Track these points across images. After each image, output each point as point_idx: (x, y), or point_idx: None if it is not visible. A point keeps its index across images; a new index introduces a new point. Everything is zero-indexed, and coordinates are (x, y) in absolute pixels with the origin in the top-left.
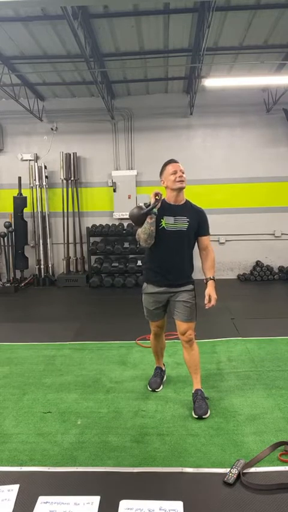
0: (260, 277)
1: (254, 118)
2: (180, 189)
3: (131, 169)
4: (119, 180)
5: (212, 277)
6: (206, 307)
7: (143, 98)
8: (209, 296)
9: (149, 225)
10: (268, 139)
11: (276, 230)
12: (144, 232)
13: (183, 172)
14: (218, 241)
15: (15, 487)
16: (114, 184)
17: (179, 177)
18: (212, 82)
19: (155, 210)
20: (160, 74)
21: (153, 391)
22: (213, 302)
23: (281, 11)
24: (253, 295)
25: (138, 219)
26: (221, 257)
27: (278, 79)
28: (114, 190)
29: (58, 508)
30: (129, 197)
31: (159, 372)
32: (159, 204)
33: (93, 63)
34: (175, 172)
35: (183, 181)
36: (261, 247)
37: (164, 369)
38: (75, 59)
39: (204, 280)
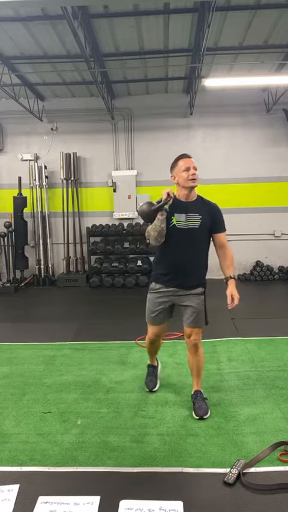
0: (260, 277)
1: (254, 118)
2: (193, 188)
3: (131, 169)
4: (119, 180)
5: (232, 276)
6: (229, 308)
7: (143, 98)
8: (231, 296)
9: (159, 221)
10: (268, 139)
11: (276, 230)
12: (154, 230)
13: (196, 170)
14: None
15: (15, 487)
16: (114, 184)
17: (192, 175)
18: (212, 82)
19: (167, 206)
20: (160, 74)
21: (151, 391)
22: (236, 301)
23: (281, 11)
24: (253, 295)
25: (148, 215)
26: None
27: (278, 79)
28: (114, 190)
29: (58, 508)
30: (129, 197)
31: (153, 370)
32: (171, 201)
33: (93, 63)
34: (188, 169)
35: (195, 179)
36: (261, 247)
37: (156, 364)
38: (75, 59)
39: (224, 280)
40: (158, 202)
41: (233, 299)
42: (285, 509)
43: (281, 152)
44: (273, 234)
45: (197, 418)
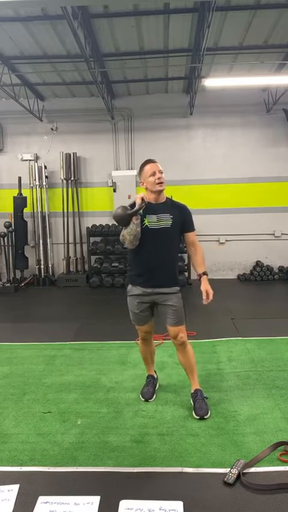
0: (260, 277)
1: (254, 118)
2: (160, 192)
3: (131, 169)
4: (119, 180)
5: (204, 272)
6: (204, 303)
7: (143, 98)
8: (206, 291)
9: (135, 226)
10: (268, 139)
11: (276, 230)
12: (130, 234)
13: (161, 173)
14: (218, 241)
15: (15, 487)
16: (114, 184)
17: (158, 179)
18: (212, 82)
19: (141, 211)
20: (160, 74)
21: (146, 401)
22: (210, 297)
23: (281, 11)
24: (253, 295)
25: (124, 219)
26: (221, 257)
27: (278, 79)
28: (114, 190)
29: (58, 508)
30: (129, 197)
31: (151, 381)
32: (145, 206)
33: (93, 63)
34: (154, 174)
35: (162, 183)
36: (261, 247)
37: (156, 376)
38: (75, 59)
39: (197, 277)
40: (131, 205)
41: (208, 295)
42: (285, 509)
43: (281, 152)
44: (273, 234)
45: (197, 418)
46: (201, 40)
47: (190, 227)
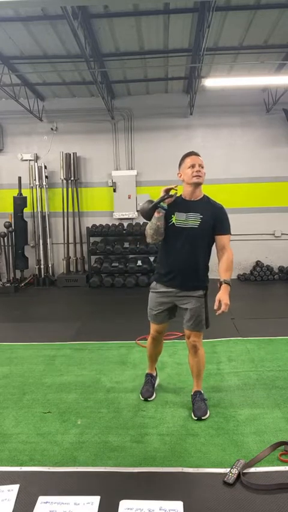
0: (260, 277)
1: (254, 118)
2: (197, 184)
3: (131, 169)
4: (119, 180)
5: (225, 281)
6: (216, 314)
7: (143, 98)
8: (219, 301)
9: (155, 219)
10: (268, 139)
11: (276, 230)
12: (150, 228)
13: (202, 167)
14: None
15: (15, 487)
16: (114, 184)
17: (197, 171)
18: (212, 82)
19: (164, 204)
20: (160, 74)
21: (146, 400)
22: (223, 308)
23: (281, 11)
24: (253, 295)
25: (147, 213)
26: None
27: (278, 79)
28: (114, 190)
29: (58, 508)
30: (129, 197)
31: (150, 379)
32: (171, 199)
33: (93, 63)
34: (193, 166)
35: (200, 176)
36: (261, 247)
37: (155, 374)
38: (75, 59)
39: (218, 283)
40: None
41: (220, 305)
42: (286, 509)
43: (281, 152)
44: (273, 234)
45: (195, 419)
46: (201, 40)
47: (222, 230)
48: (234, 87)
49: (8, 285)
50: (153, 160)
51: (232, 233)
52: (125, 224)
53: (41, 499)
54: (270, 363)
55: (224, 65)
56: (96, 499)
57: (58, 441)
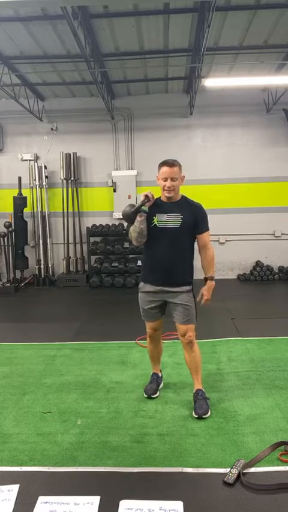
0: (260, 277)
1: (254, 118)
2: (169, 198)
3: (131, 169)
4: (119, 180)
5: (208, 277)
6: (200, 305)
7: (143, 98)
8: (201, 294)
9: (138, 223)
10: (268, 139)
11: (276, 230)
12: (134, 231)
13: (174, 180)
14: (218, 241)
15: (15, 487)
16: (114, 184)
17: (167, 187)
18: (212, 82)
19: (145, 208)
20: (160, 74)
21: (149, 397)
22: (203, 302)
23: (281, 11)
24: (253, 295)
25: (129, 216)
26: (221, 257)
27: (278, 79)
28: (114, 190)
29: (58, 508)
30: (129, 197)
31: (156, 379)
32: (150, 202)
33: (93, 63)
34: (165, 180)
35: (170, 191)
36: (261, 247)
37: (160, 375)
38: (75, 59)
39: (203, 279)
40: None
41: (202, 298)
42: (286, 509)
43: (280, 152)
44: (273, 234)
45: (196, 417)
46: (201, 40)
47: (202, 228)
48: (234, 87)
49: (8, 285)
50: (153, 160)
51: (232, 233)
52: (125, 224)
53: (41, 499)
54: (270, 362)
55: (224, 65)
56: (96, 499)
57: (58, 441)
